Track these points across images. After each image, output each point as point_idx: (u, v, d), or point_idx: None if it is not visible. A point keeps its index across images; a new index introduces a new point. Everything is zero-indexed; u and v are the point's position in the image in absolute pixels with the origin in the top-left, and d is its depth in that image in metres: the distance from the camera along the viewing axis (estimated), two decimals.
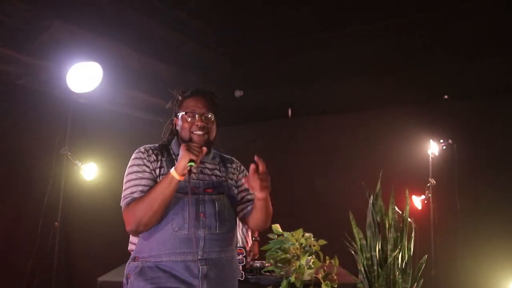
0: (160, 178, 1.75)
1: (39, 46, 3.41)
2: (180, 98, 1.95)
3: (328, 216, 4.36)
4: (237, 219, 1.94)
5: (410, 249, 3.10)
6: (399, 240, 3.05)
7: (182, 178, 1.67)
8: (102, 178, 3.79)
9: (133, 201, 1.71)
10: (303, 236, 2.66)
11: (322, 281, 2.52)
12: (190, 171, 1.65)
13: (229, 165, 1.96)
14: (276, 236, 2.67)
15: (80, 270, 3.79)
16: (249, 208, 1.91)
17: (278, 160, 5.15)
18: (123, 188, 1.78)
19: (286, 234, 2.64)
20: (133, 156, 1.85)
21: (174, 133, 1.96)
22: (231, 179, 1.92)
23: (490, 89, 4.34)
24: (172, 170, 1.67)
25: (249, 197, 1.92)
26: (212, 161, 1.92)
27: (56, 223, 3.45)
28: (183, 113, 1.85)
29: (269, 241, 2.69)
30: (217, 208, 1.78)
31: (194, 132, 1.81)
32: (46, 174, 3.52)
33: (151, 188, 1.72)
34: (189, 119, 1.83)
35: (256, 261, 3.06)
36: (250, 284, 2.65)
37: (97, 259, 3.70)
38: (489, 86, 4.34)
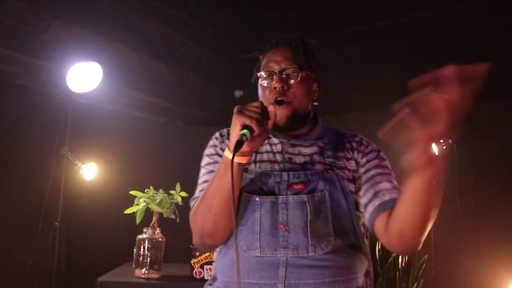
0: None
1: (39, 46, 3.41)
2: (261, 57, 1.35)
3: None
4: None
5: None
6: None
7: (243, 160, 1.10)
8: (102, 178, 3.78)
9: (195, 204, 1.25)
10: None
11: None
12: (239, 144, 1.03)
13: (347, 144, 1.30)
14: None
15: (80, 270, 3.79)
16: (376, 205, 1.20)
17: None
18: None
19: None
20: (208, 144, 1.35)
21: None
22: (343, 167, 1.24)
23: (490, 89, 4.33)
24: (226, 149, 1.12)
25: (374, 189, 1.23)
26: (313, 142, 1.29)
27: (56, 223, 3.45)
28: (259, 74, 1.28)
29: None
30: (309, 216, 1.15)
31: (275, 100, 1.21)
32: (46, 174, 3.51)
33: None
34: (265, 83, 1.25)
35: None
36: None
37: (97, 259, 3.70)
38: (489, 86, 4.33)
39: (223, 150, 1.25)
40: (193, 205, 1.24)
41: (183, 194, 2.72)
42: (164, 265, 2.77)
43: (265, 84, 1.24)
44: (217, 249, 1.27)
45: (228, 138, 1.27)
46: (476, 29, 4.26)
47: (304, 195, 1.16)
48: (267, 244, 1.14)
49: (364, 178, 1.25)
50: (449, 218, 4.17)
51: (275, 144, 1.26)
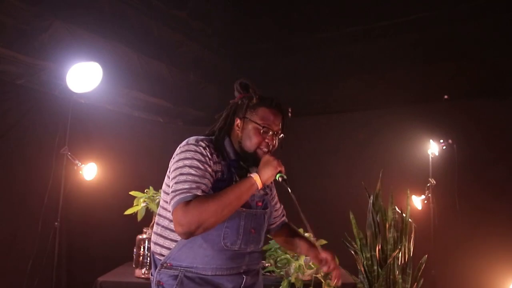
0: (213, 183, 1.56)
1: (39, 46, 3.41)
2: (255, 100, 1.71)
3: (328, 216, 4.36)
4: None
5: (410, 249, 3.10)
6: (399, 240, 3.05)
7: (261, 187, 1.54)
8: (102, 178, 3.78)
9: (195, 199, 1.45)
10: None
11: (322, 281, 2.52)
12: (285, 180, 1.56)
13: None
14: None
15: (80, 270, 3.79)
16: (277, 223, 1.95)
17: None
18: (174, 181, 1.52)
19: None
20: (191, 148, 1.57)
21: (227, 131, 1.70)
22: (270, 194, 1.84)
23: (489, 89, 4.34)
24: (256, 176, 1.52)
25: (277, 213, 1.94)
26: None
27: (56, 223, 3.45)
28: (259, 124, 1.63)
29: (269, 241, 2.69)
30: (265, 223, 1.70)
31: (262, 148, 1.62)
32: (46, 174, 3.51)
33: (210, 191, 1.51)
34: (262, 133, 1.63)
35: None
36: None
37: (97, 259, 3.70)
38: (489, 86, 4.34)
39: (210, 164, 1.56)
40: (188, 199, 1.45)
41: None
42: None
43: (262, 134, 1.64)
44: (180, 241, 1.56)
45: (213, 154, 1.59)
46: (476, 29, 4.27)
47: (263, 210, 1.70)
48: (244, 242, 1.60)
49: (275, 205, 1.96)
50: (449, 218, 4.18)
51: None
